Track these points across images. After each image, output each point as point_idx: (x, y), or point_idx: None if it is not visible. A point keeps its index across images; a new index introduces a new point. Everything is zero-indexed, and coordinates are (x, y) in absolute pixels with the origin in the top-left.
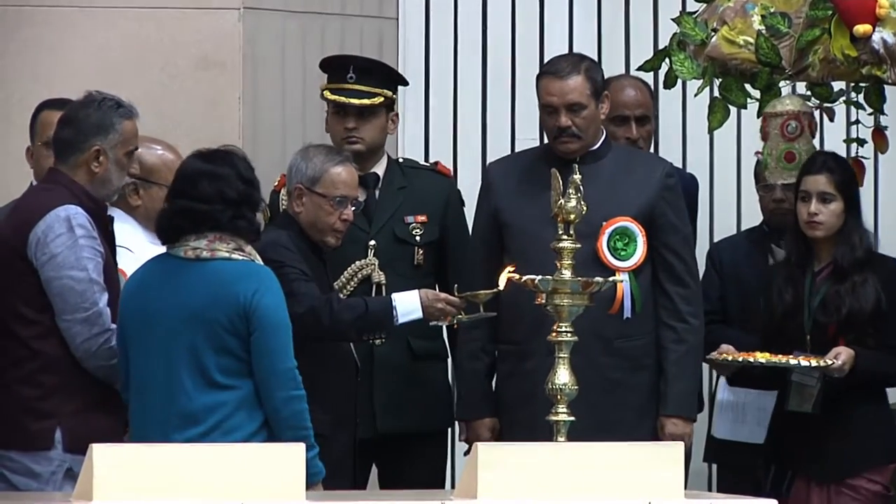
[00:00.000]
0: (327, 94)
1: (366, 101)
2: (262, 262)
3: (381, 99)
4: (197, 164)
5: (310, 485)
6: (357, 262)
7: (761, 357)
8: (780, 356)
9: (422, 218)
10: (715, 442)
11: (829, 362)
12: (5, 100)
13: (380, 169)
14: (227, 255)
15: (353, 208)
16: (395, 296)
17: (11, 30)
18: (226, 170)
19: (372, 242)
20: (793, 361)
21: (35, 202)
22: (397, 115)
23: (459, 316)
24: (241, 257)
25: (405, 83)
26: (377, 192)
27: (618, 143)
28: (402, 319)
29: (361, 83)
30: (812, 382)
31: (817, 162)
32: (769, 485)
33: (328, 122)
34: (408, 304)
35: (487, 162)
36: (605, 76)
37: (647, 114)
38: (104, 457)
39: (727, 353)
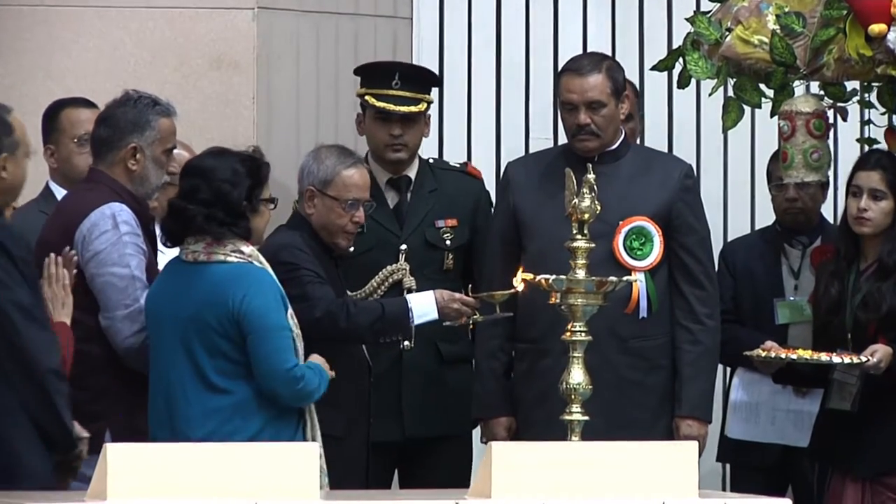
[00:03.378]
0: (372, 100)
1: (413, 109)
2: (263, 263)
3: (425, 105)
4: (190, 161)
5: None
6: (388, 267)
7: (802, 354)
8: (818, 353)
9: (452, 222)
10: (728, 442)
11: (865, 359)
12: (20, 98)
13: (412, 172)
14: (223, 257)
15: (368, 211)
16: (410, 297)
17: (26, 29)
18: (211, 163)
19: (403, 247)
20: (828, 358)
21: (79, 202)
22: (429, 117)
23: (475, 316)
24: (237, 259)
25: (440, 84)
26: (409, 196)
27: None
28: (417, 321)
29: (406, 89)
30: (852, 380)
31: (871, 159)
32: (815, 484)
33: (365, 127)
34: (423, 306)
35: (501, 161)
36: (618, 75)
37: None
38: (118, 456)
39: (767, 349)
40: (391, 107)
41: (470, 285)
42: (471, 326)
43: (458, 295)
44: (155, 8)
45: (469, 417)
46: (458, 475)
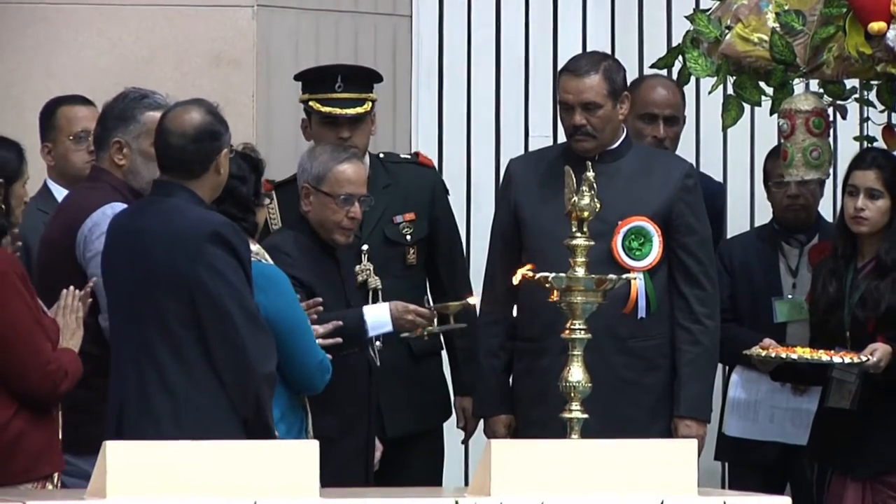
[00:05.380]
0: (316, 105)
1: (359, 110)
2: (268, 259)
3: (370, 104)
4: None
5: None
6: (353, 269)
7: (800, 353)
8: (817, 352)
9: (410, 216)
10: (727, 440)
11: (865, 359)
12: (19, 96)
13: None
14: None
15: (364, 206)
16: (366, 309)
17: (26, 26)
18: None
19: (364, 247)
20: (827, 358)
21: (81, 202)
22: (375, 115)
23: (430, 328)
24: None
25: (381, 79)
26: None
27: (642, 141)
28: (372, 333)
29: (349, 91)
30: (851, 379)
31: (867, 158)
32: (814, 484)
33: (312, 132)
34: (378, 318)
35: (501, 159)
36: (616, 76)
37: (675, 115)
38: (117, 454)
39: (766, 348)
40: (337, 111)
41: (426, 296)
42: (425, 337)
43: (412, 306)
44: (155, 6)
45: (442, 410)
46: (432, 469)
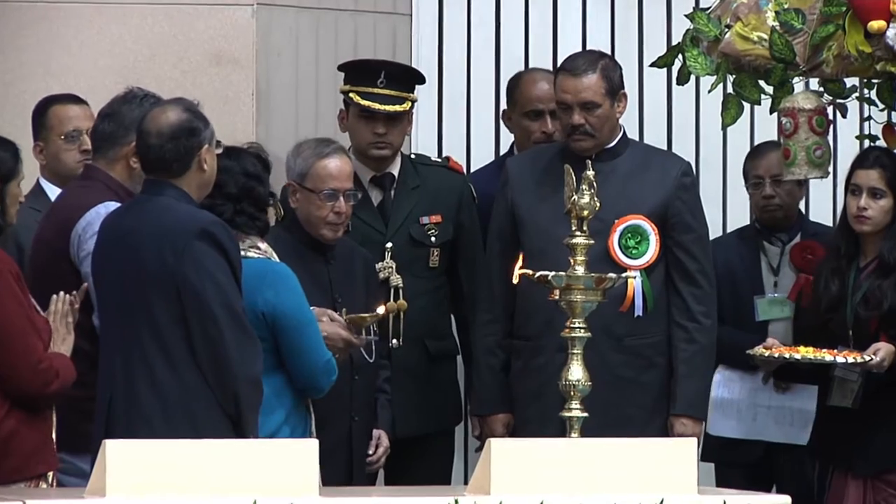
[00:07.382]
0: (357, 98)
1: (398, 108)
2: (275, 258)
3: (410, 104)
4: None
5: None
6: (375, 266)
7: (803, 352)
8: (821, 352)
9: (436, 218)
10: (712, 440)
11: (868, 358)
12: (19, 95)
13: (395, 169)
14: (242, 253)
15: (350, 201)
16: None
17: (25, 25)
18: (228, 163)
19: (389, 245)
20: (831, 357)
21: (75, 201)
22: (412, 115)
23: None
24: (256, 255)
25: (424, 81)
26: (392, 193)
27: (531, 138)
28: None
29: (391, 88)
30: (853, 378)
31: (870, 157)
32: (816, 482)
33: (348, 124)
34: None
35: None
36: (613, 74)
37: None
38: (117, 452)
39: (769, 348)
40: (376, 105)
41: (344, 309)
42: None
43: (329, 312)
44: (154, 4)
45: (454, 413)
46: (441, 471)
